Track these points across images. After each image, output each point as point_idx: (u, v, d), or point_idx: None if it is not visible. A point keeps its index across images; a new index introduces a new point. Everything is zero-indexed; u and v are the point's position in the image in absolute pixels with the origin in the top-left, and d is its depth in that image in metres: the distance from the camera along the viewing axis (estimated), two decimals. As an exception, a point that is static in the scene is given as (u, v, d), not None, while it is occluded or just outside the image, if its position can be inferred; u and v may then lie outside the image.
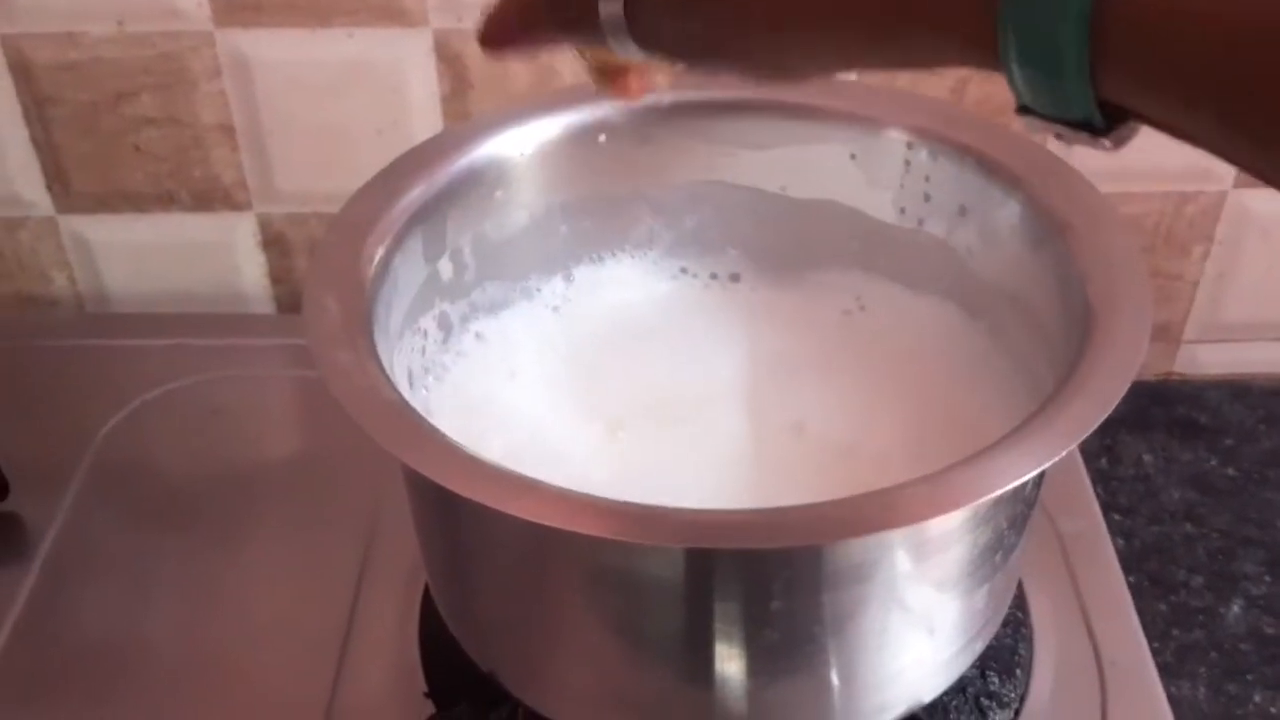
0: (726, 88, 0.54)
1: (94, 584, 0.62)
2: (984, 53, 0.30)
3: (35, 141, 0.73)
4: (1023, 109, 0.31)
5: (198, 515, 0.65)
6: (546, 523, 0.39)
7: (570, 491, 0.40)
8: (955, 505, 0.40)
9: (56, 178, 0.75)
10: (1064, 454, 0.40)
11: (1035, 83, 0.30)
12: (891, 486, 0.40)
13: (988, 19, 0.29)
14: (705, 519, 0.40)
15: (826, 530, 0.39)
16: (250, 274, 0.79)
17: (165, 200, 0.76)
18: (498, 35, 0.42)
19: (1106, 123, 0.30)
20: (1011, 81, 0.30)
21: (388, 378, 0.45)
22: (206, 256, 0.78)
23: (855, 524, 0.39)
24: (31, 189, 0.75)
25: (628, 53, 0.38)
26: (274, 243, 0.78)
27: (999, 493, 0.40)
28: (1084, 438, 0.41)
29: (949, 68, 0.31)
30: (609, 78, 0.43)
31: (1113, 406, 0.41)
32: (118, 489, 0.67)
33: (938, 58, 0.32)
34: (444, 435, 0.42)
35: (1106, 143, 0.31)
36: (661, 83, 0.44)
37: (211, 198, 0.76)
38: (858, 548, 0.42)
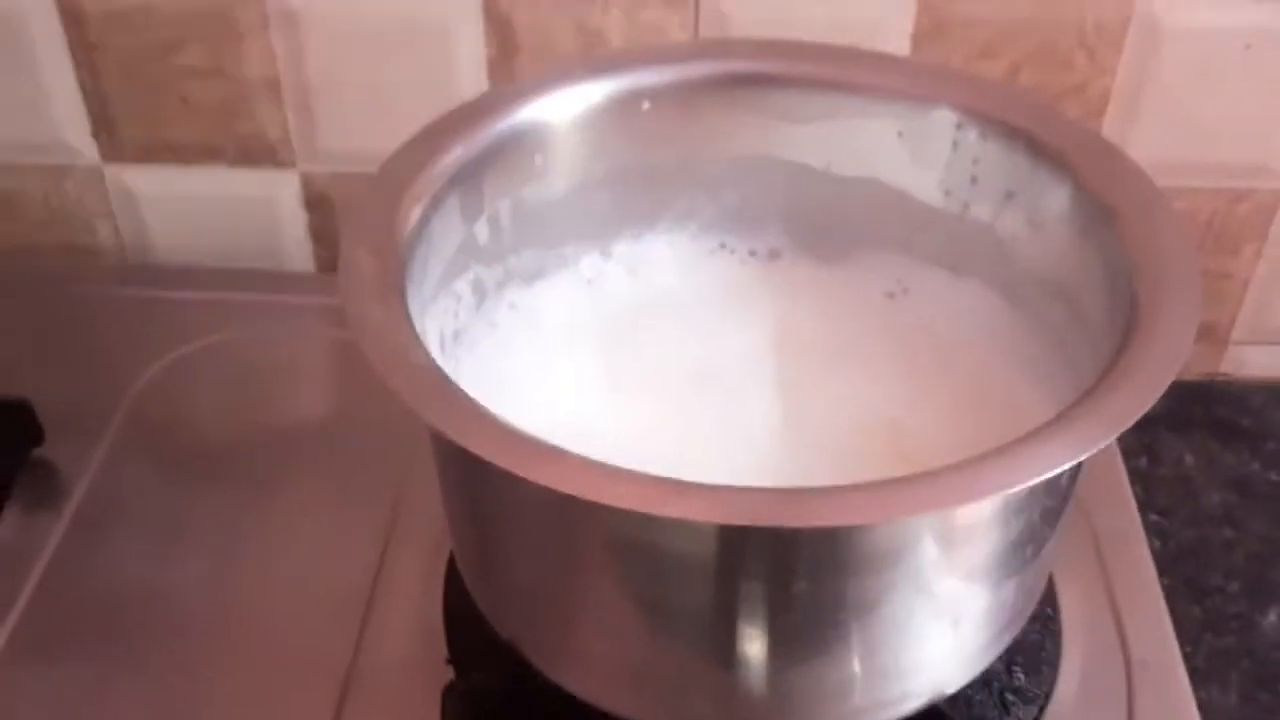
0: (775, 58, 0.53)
1: (123, 533, 0.62)
2: None
3: (83, 87, 0.73)
4: None
5: (229, 471, 0.65)
6: (572, 491, 0.39)
7: (597, 461, 0.40)
8: (987, 493, 0.39)
9: (103, 125, 0.75)
10: (1100, 447, 0.39)
11: None
12: (923, 472, 0.39)
13: None
14: (731, 495, 0.39)
15: (854, 513, 0.39)
16: (293, 232, 0.79)
17: (211, 154, 0.76)
18: None
19: None
20: None
21: (419, 339, 0.44)
22: (251, 213, 0.78)
23: (883, 508, 0.38)
24: (78, 136, 0.75)
25: None
26: (317, 202, 0.77)
27: (1032, 483, 0.39)
28: (1122, 431, 0.40)
29: None
30: None
31: (1154, 401, 0.40)
32: (151, 440, 0.67)
33: None
34: (472, 399, 0.42)
35: None
36: None
37: (257, 154, 0.76)
38: (885, 532, 0.41)
